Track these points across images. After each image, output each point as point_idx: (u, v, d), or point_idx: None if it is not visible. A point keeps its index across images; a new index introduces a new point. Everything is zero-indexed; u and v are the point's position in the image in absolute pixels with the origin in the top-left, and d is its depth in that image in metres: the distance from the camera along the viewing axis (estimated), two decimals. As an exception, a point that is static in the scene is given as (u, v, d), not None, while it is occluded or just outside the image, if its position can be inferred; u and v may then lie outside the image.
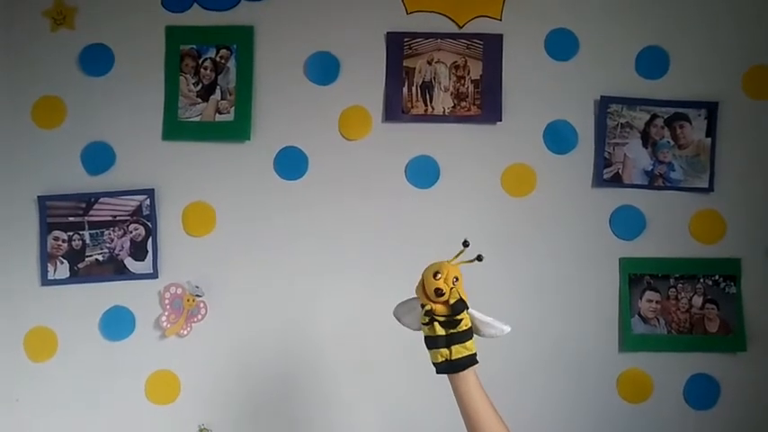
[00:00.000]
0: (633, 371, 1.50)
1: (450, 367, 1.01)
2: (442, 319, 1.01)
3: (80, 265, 1.52)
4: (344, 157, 1.53)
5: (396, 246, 1.50)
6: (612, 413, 1.50)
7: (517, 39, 1.53)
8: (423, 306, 1.03)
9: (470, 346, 1.01)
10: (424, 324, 1.03)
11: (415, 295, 1.06)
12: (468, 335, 1.02)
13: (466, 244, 1.03)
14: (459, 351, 1.01)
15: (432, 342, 1.02)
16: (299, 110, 1.53)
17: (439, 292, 1.00)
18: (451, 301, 1.01)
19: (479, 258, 1.02)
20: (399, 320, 1.10)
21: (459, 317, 1.01)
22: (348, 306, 1.51)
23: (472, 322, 1.03)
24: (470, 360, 1.01)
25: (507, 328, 1.06)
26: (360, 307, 1.50)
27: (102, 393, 1.51)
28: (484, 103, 1.53)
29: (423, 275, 1.04)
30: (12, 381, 1.51)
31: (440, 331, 1.01)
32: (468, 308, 1.02)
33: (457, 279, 1.02)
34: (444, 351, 1.01)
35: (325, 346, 1.51)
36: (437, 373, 1.02)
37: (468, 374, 1.01)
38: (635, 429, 1.50)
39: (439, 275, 1.01)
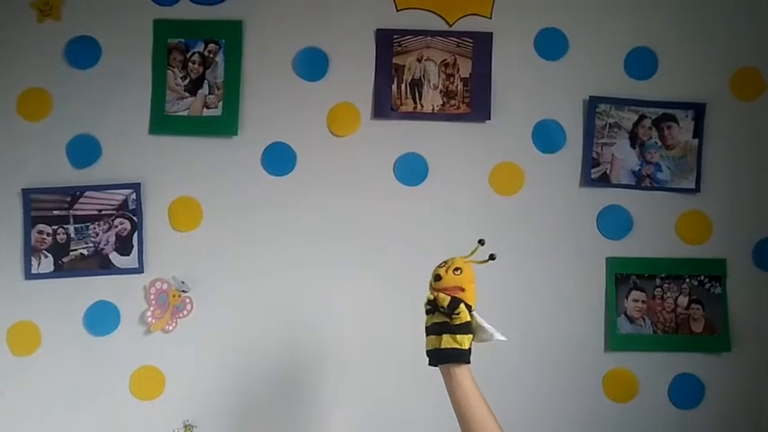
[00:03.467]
0: (619, 370, 1.51)
1: (436, 356, 1.02)
2: (445, 303, 1.03)
3: (64, 260, 1.51)
4: (333, 153, 1.52)
5: (383, 243, 1.50)
6: (598, 412, 1.50)
7: (507, 37, 1.53)
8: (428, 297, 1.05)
9: (461, 341, 1.01)
10: (426, 313, 1.05)
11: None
12: (462, 329, 1.01)
13: (482, 242, 1.07)
14: (447, 341, 1.01)
15: (427, 331, 1.04)
16: (287, 105, 1.53)
17: (437, 278, 1.04)
18: (443, 303, 1.02)
19: (492, 257, 1.05)
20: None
21: (456, 311, 1.02)
22: (336, 302, 1.50)
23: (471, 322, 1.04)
24: (458, 354, 1.00)
25: (499, 336, 1.05)
26: (348, 303, 1.50)
27: (86, 389, 1.49)
28: (473, 101, 1.53)
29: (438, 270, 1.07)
30: (-6, 375, 1.50)
31: (436, 319, 1.03)
32: (461, 302, 1.03)
33: (459, 269, 1.05)
34: (434, 339, 1.02)
35: (310, 342, 1.50)
36: (429, 364, 1.03)
37: (463, 375, 1.00)
38: (620, 428, 1.50)
39: (444, 265, 1.06)
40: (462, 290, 1.04)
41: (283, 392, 1.50)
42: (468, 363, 1.02)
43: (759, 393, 1.50)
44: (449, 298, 1.02)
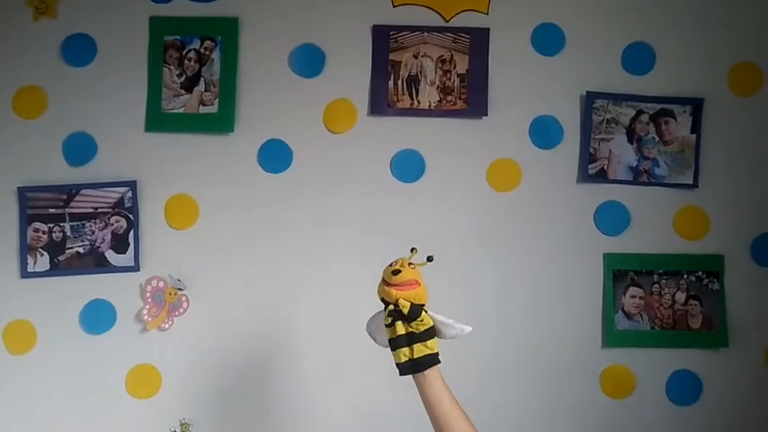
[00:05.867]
0: (616, 367, 1.50)
1: (412, 366, 1.01)
2: (406, 310, 1.02)
3: (60, 258, 1.50)
4: (329, 150, 1.52)
5: (380, 240, 1.49)
6: (595, 409, 1.50)
7: (504, 33, 1.53)
8: (386, 306, 1.04)
9: (432, 345, 1.02)
10: (387, 326, 1.04)
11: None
12: (429, 334, 1.03)
13: (430, 259, 1.06)
14: (420, 350, 1.02)
15: (394, 343, 1.03)
16: (283, 102, 1.52)
17: (396, 272, 1.03)
18: (403, 310, 1.02)
19: (430, 259, 1.05)
20: (374, 339, 1.12)
21: (420, 319, 1.02)
22: (332, 300, 1.50)
23: (434, 324, 1.04)
24: (432, 359, 1.02)
25: (468, 329, 1.06)
26: (344, 301, 1.49)
27: (82, 387, 1.49)
28: (470, 97, 1.52)
29: (382, 276, 1.07)
30: (-10, 373, 1.49)
31: (401, 330, 1.02)
32: (422, 309, 1.03)
33: (412, 264, 1.05)
34: (406, 350, 1.02)
35: (308, 340, 1.50)
36: (401, 374, 1.03)
37: (434, 377, 1.01)
38: (618, 425, 1.50)
39: (394, 264, 1.05)
40: (418, 284, 1.04)
41: (279, 390, 1.49)
42: (440, 362, 1.02)
43: (757, 389, 1.50)
44: (408, 304, 1.02)
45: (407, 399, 1.43)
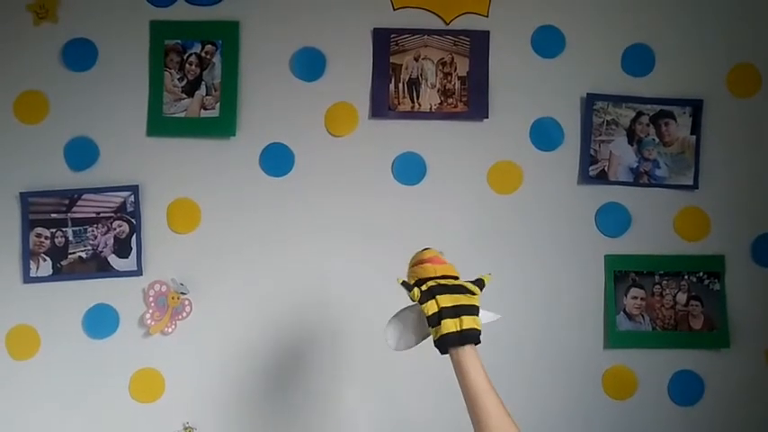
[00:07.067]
0: (618, 368, 1.51)
1: (460, 338, 0.97)
2: (444, 281, 1.03)
3: (63, 263, 1.50)
4: (331, 153, 1.52)
5: (382, 242, 1.50)
6: (597, 410, 1.50)
7: (504, 35, 1.53)
8: (420, 287, 1.03)
9: (478, 322, 1.00)
10: (423, 303, 1.01)
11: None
12: (476, 310, 1.02)
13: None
14: (469, 322, 0.98)
15: (435, 318, 0.99)
16: (284, 106, 1.52)
17: (425, 250, 1.09)
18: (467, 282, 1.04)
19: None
20: (397, 343, 1.08)
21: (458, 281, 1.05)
22: (336, 303, 1.50)
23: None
24: (476, 336, 0.99)
25: (496, 316, 1.07)
26: (348, 304, 1.49)
27: (85, 392, 1.49)
28: (470, 99, 1.53)
29: (409, 266, 1.11)
30: (-7, 379, 1.49)
31: (445, 303, 1.00)
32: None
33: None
34: (450, 322, 0.98)
35: (311, 343, 1.50)
36: (442, 351, 0.99)
37: (474, 355, 0.97)
38: (620, 426, 1.50)
39: (417, 252, 1.11)
40: (444, 261, 1.07)
41: (283, 394, 1.50)
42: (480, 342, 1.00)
43: (758, 389, 1.50)
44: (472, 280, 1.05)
45: (415, 399, 1.45)
